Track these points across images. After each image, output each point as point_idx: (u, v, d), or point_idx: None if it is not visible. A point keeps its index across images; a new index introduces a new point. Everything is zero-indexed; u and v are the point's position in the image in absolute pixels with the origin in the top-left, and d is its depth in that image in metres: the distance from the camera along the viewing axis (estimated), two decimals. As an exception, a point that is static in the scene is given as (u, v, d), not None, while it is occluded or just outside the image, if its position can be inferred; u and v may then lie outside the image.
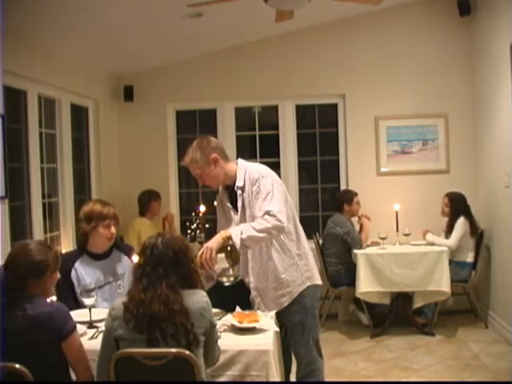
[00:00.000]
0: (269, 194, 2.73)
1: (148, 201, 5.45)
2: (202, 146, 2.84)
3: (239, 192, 2.85)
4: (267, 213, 2.67)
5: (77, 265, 3.04)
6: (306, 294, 2.90)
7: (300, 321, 2.89)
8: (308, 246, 3.00)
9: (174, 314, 2.04)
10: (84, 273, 3.01)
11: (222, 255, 2.72)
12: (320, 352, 2.99)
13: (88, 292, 2.92)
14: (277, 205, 2.71)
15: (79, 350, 2.19)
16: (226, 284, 2.82)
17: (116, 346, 2.08)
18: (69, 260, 3.02)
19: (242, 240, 2.64)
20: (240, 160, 2.96)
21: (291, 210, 2.93)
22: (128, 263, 3.10)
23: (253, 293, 2.93)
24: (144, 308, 2.05)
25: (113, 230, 3.06)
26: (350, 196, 5.26)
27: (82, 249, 3.11)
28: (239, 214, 2.86)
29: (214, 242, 2.67)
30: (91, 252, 3.09)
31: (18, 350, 2.07)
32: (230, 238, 2.66)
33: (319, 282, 2.99)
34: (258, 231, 2.66)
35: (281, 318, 2.89)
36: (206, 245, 2.66)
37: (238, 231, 2.66)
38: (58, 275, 2.36)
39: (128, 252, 3.18)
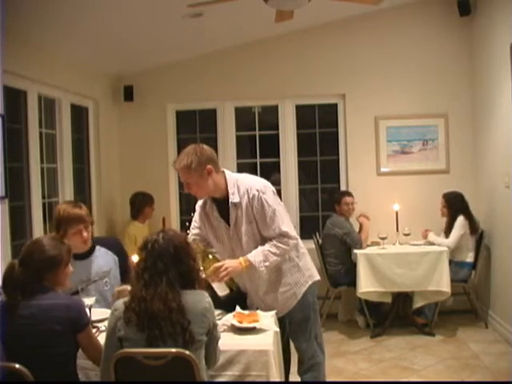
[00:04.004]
0: (275, 211, 2.74)
1: (143, 205, 5.35)
2: (198, 155, 2.72)
3: (232, 208, 2.78)
4: (283, 235, 2.74)
5: None
6: (308, 292, 2.93)
7: (304, 317, 2.93)
8: (303, 245, 3.02)
9: (172, 313, 2.04)
10: None
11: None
12: (321, 347, 3.03)
13: (73, 294, 2.87)
14: (287, 222, 2.77)
15: (95, 341, 2.29)
16: (222, 297, 2.82)
17: (120, 345, 2.09)
18: None
19: (266, 267, 2.73)
20: (227, 172, 2.86)
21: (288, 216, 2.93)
22: (113, 257, 3.05)
23: (256, 300, 2.94)
24: (145, 304, 2.05)
25: (84, 234, 2.93)
26: (338, 197, 5.28)
27: None
28: (231, 228, 2.81)
29: (235, 268, 2.70)
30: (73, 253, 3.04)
31: (30, 337, 2.14)
32: (250, 265, 2.71)
33: (318, 277, 3.04)
34: (279, 255, 2.76)
35: (284, 316, 2.92)
36: (226, 265, 2.69)
37: (259, 258, 2.71)
38: (71, 268, 2.43)
39: (112, 246, 3.11)
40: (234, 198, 2.77)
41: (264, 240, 2.78)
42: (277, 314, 2.84)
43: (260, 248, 2.75)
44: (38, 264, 2.24)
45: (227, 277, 2.71)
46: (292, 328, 2.98)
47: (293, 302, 2.91)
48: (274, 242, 2.74)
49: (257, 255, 2.72)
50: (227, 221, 2.82)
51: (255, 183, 2.81)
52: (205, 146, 2.82)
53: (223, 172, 2.84)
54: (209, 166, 2.73)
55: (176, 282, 2.11)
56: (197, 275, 2.22)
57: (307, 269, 2.96)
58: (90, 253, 3.04)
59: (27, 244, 2.33)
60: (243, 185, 2.79)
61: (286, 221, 2.79)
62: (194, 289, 2.18)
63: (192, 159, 2.71)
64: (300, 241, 2.96)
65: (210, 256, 2.82)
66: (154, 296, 2.06)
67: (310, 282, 2.94)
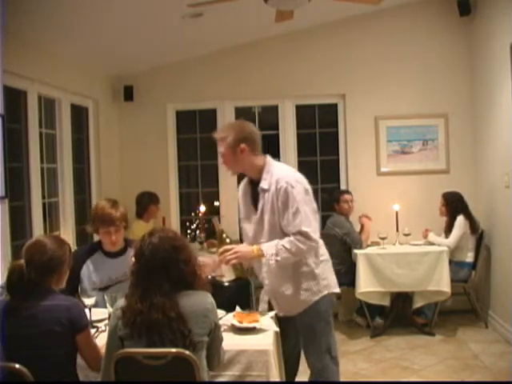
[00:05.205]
0: (298, 208, 2.63)
1: (148, 204, 5.36)
2: (237, 130, 2.73)
3: (261, 194, 2.74)
4: (301, 234, 2.62)
5: (88, 263, 3.05)
6: (320, 301, 2.79)
7: (312, 326, 2.79)
8: (327, 253, 2.88)
9: (171, 321, 2.04)
10: (95, 271, 3.02)
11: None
12: (335, 360, 2.85)
13: (99, 290, 2.97)
14: (309, 222, 2.64)
15: (93, 343, 2.30)
16: (227, 281, 2.80)
17: (121, 344, 2.09)
18: (80, 257, 3.03)
19: (276, 261, 2.64)
20: (268, 158, 2.81)
21: (316, 218, 2.78)
22: None
23: (268, 293, 2.88)
24: (142, 316, 2.04)
25: (113, 237, 3.01)
26: (337, 195, 5.28)
27: (98, 246, 3.12)
28: (258, 214, 2.76)
29: (245, 254, 2.66)
30: (105, 250, 3.09)
31: (30, 338, 2.14)
32: (261, 255, 2.65)
33: (336, 289, 2.87)
34: (293, 254, 2.63)
35: (293, 321, 2.83)
36: (237, 248, 2.65)
37: (271, 251, 2.63)
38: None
39: None
40: (264, 184, 2.72)
41: (284, 235, 2.68)
42: (285, 314, 2.80)
43: (276, 241, 2.66)
44: (42, 265, 2.23)
45: (235, 260, 2.64)
46: (300, 335, 2.85)
47: (301, 307, 2.78)
48: (292, 238, 2.63)
49: (270, 247, 2.65)
50: (256, 206, 2.77)
51: (288, 175, 2.72)
52: (250, 124, 2.81)
53: (265, 156, 2.80)
54: (243, 145, 2.70)
55: (172, 291, 2.09)
56: (193, 277, 2.17)
57: (324, 278, 2.79)
58: (121, 253, 3.09)
59: (28, 245, 2.31)
60: (276, 174, 2.72)
61: (309, 221, 2.64)
62: (194, 289, 2.17)
63: (229, 133, 2.72)
64: (323, 247, 2.84)
65: (228, 240, 2.77)
66: (151, 307, 2.05)
67: (324, 292, 2.78)
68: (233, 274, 2.75)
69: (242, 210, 2.91)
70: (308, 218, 2.65)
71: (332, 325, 2.87)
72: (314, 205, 2.76)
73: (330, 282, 2.83)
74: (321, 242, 2.81)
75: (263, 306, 2.90)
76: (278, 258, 2.63)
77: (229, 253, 2.64)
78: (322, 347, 2.80)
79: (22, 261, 2.23)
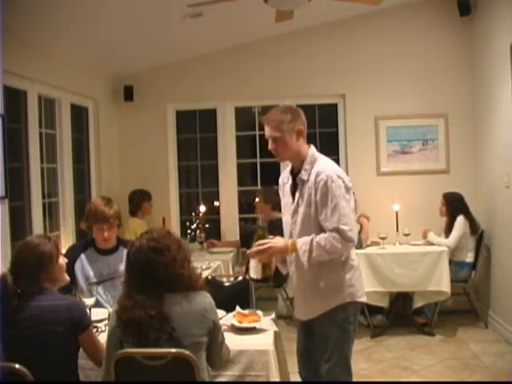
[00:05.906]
0: (338, 204, 2.51)
1: (141, 201, 5.39)
2: (294, 113, 2.66)
3: (300, 184, 2.66)
4: (338, 231, 2.49)
5: (82, 257, 3.11)
6: (340, 309, 2.62)
7: (327, 332, 2.63)
8: (357, 260, 2.74)
9: (152, 319, 2.05)
10: (88, 265, 3.08)
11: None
12: (347, 372, 2.68)
13: (90, 285, 3.03)
14: (347, 220, 2.51)
15: (97, 340, 2.31)
16: (252, 279, 2.70)
17: (120, 345, 2.10)
18: (74, 252, 3.12)
19: (308, 259, 2.52)
20: (312, 149, 2.70)
21: (354, 218, 2.66)
22: None
23: (293, 292, 2.83)
24: (128, 313, 2.07)
25: (106, 234, 3.06)
26: None
27: (91, 242, 3.17)
28: (294, 205, 2.67)
29: (280, 250, 2.56)
30: (98, 247, 3.13)
31: (31, 339, 2.14)
32: (295, 251, 2.55)
33: (361, 299, 2.70)
34: (328, 252, 2.51)
35: (310, 325, 2.73)
36: (271, 244, 2.55)
37: (305, 247, 2.52)
38: (65, 259, 2.45)
39: None
40: (303, 175, 2.64)
41: (317, 231, 2.57)
42: (301, 317, 2.75)
43: (311, 237, 2.54)
44: (32, 265, 2.24)
45: (267, 256, 2.55)
46: (316, 341, 2.70)
47: (317, 311, 2.65)
48: (327, 235, 2.51)
49: (304, 243, 2.54)
50: (294, 196, 2.70)
51: (329, 169, 2.60)
52: (300, 109, 2.74)
53: (309, 146, 2.72)
54: (300, 127, 2.65)
55: (155, 291, 2.10)
56: (179, 279, 2.14)
57: (350, 285, 2.63)
58: (113, 251, 3.15)
59: (18, 248, 2.33)
60: (318, 166, 2.63)
61: (347, 219, 2.52)
62: (183, 291, 2.15)
63: (286, 114, 2.64)
64: (354, 254, 2.69)
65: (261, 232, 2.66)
66: (135, 304, 2.07)
67: (347, 300, 2.62)
68: (261, 272, 2.58)
69: (282, 200, 2.84)
70: (347, 216, 2.52)
71: (351, 335, 2.67)
72: (353, 204, 2.65)
73: (355, 291, 2.66)
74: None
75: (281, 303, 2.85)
76: (313, 255, 2.51)
77: (262, 247, 2.54)
78: (334, 357, 2.63)
79: (6, 271, 2.25)
